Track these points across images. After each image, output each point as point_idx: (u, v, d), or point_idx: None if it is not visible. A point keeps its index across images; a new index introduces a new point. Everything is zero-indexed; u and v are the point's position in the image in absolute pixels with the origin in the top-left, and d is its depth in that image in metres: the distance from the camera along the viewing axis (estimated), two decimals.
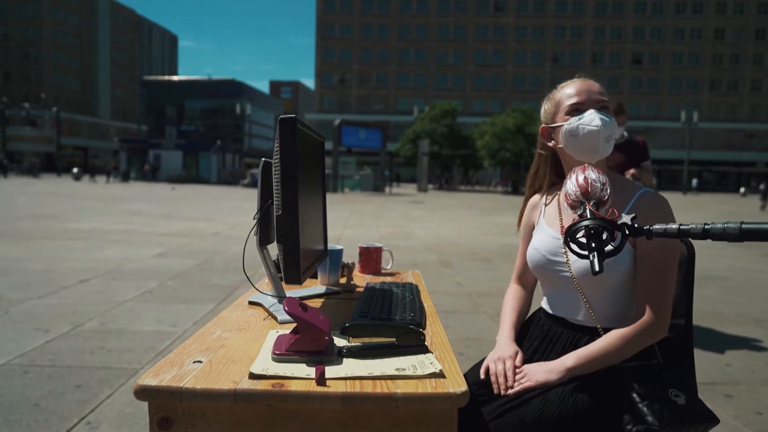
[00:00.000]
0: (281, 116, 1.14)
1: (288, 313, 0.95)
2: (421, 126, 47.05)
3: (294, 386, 0.84)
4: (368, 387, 0.84)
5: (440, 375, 0.88)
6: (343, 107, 70.11)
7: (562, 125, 1.42)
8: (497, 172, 58.19)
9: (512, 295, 1.64)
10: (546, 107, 1.54)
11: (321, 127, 66.41)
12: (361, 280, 1.78)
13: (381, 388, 0.84)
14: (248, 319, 1.24)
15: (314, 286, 1.60)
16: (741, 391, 2.98)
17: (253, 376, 0.86)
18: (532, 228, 1.59)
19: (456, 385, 0.85)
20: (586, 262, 1.33)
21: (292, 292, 1.46)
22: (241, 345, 1.04)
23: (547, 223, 1.52)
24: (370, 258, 1.89)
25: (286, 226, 1.14)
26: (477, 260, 7.66)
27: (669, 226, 0.88)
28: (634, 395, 1.23)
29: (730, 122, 65.44)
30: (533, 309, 1.62)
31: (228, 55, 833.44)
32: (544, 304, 1.53)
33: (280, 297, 1.36)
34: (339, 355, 0.96)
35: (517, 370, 1.35)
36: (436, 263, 7.30)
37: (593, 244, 0.93)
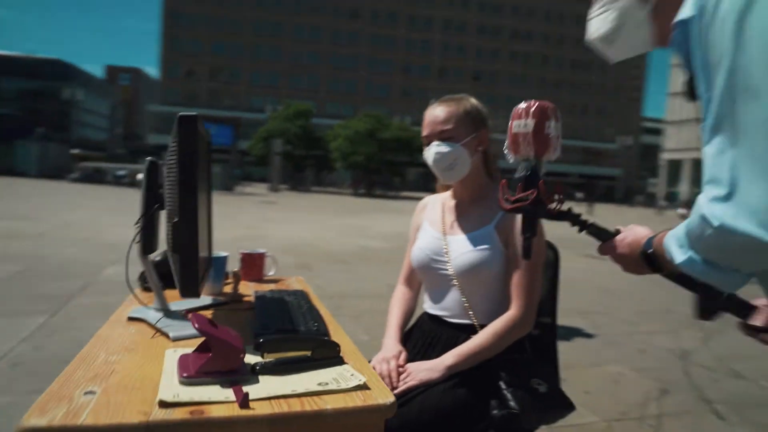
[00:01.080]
0: (181, 114, 1.04)
1: (199, 330, 0.87)
2: (274, 125, 46.15)
3: (215, 411, 0.77)
4: (295, 406, 0.81)
5: (365, 387, 0.88)
6: (191, 100, 65.98)
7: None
8: (348, 175, 59.39)
9: (399, 296, 1.70)
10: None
11: (166, 120, 61.78)
12: (244, 287, 1.70)
13: (309, 405, 0.81)
14: (133, 337, 1.11)
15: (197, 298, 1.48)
16: (572, 374, 3.39)
17: (164, 405, 0.77)
18: (418, 230, 1.67)
19: (383, 395, 0.85)
20: (464, 260, 1.45)
21: (175, 304, 1.33)
22: (135, 369, 0.93)
23: (429, 225, 1.62)
24: (253, 264, 1.82)
25: (185, 235, 1.05)
26: (335, 262, 7.73)
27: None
28: (501, 383, 1.36)
29: None
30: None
31: (55, 32, 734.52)
32: (426, 304, 1.61)
33: (166, 311, 1.24)
34: (253, 373, 0.91)
35: (401, 370, 1.40)
36: (295, 266, 7.22)
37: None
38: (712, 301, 1.00)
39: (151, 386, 0.85)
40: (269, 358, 0.94)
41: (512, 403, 1.33)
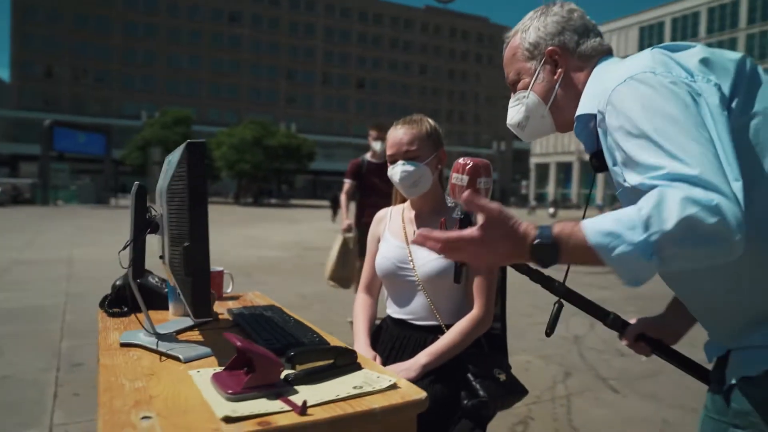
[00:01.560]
0: (190, 141, 1.07)
1: (243, 348, 0.92)
2: (151, 132, 43.37)
3: (280, 421, 0.83)
4: (346, 408, 0.89)
5: (396, 386, 0.98)
6: (51, 105, 59.72)
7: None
8: (234, 184, 57.54)
9: (362, 303, 1.81)
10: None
11: (22, 126, 55.47)
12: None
13: (358, 406, 0.90)
14: (143, 363, 1.11)
15: (175, 319, 1.47)
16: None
17: (230, 420, 0.82)
18: (378, 241, 1.79)
19: (415, 392, 0.96)
20: (432, 267, 1.60)
21: (161, 327, 1.33)
22: (170, 392, 0.94)
23: (392, 235, 1.75)
24: (213, 282, 1.81)
25: (198, 258, 1.07)
26: (238, 275, 7.51)
27: None
28: (469, 375, 1.53)
29: None
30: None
31: None
32: (390, 309, 1.74)
33: (158, 334, 1.24)
34: (289, 384, 0.97)
35: None
36: None
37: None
38: (618, 328, 1.30)
39: (198, 406, 0.88)
40: (299, 369, 1.01)
41: (481, 392, 1.49)
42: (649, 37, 58.94)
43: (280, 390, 0.93)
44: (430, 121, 1.72)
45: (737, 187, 0.79)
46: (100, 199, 29.46)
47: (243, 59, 69.76)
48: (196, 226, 1.07)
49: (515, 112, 1.22)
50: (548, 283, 1.32)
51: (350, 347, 1.10)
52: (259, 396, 0.91)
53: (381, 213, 1.87)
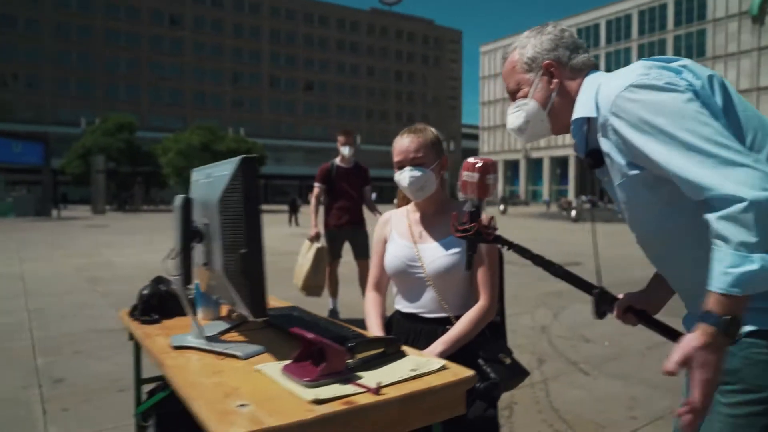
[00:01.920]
0: (244, 156, 1.17)
1: (314, 341, 1.03)
2: (92, 140, 41.66)
3: (360, 400, 0.95)
4: (410, 387, 1.02)
5: (445, 368, 1.12)
6: None
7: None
8: (182, 191, 55.91)
9: (373, 301, 1.93)
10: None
11: None
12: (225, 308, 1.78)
13: (419, 385, 1.03)
14: (205, 361, 1.20)
15: (213, 322, 1.56)
16: None
17: (319, 402, 0.94)
18: (385, 241, 1.92)
19: (463, 372, 1.11)
20: (440, 264, 1.75)
21: (206, 329, 1.41)
22: (247, 385, 1.05)
23: (399, 236, 1.88)
24: None
25: (254, 263, 1.17)
26: None
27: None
28: (480, 360, 1.68)
29: (383, 145, 78.62)
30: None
31: None
32: (399, 305, 1.87)
33: (208, 337, 1.33)
34: (352, 370, 1.09)
35: None
36: None
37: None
38: (606, 302, 1.47)
39: (281, 393, 0.99)
40: (357, 357, 1.13)
41: (492, 375, 1.65)
42: (587, 38, 61.49)
43: (347, 376, 1.05)
44: (433, 130, 1.86)
45: (748, 152, 0.96)
46: (39, 211, 28.00)
47: (186, 63, 67.91)
48: (252, 233, 1.17)
49: (515, 117, 1.38)
50: (548, 267, 1.48)
51: (395, 338, 1.23)
52: (332, 382, 1.03)
53: (385, 216, 1.99)
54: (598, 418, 2.91)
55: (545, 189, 65.70)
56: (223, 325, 1.50)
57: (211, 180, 1.32)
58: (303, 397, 0.96)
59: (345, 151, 5.10)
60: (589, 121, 1.24)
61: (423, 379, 1.06)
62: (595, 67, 1.34)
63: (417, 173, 1.76)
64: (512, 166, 72.79)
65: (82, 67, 62.25)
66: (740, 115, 1.10)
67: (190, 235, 1.30)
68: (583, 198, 44.40)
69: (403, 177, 1.78)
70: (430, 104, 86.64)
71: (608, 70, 1.32)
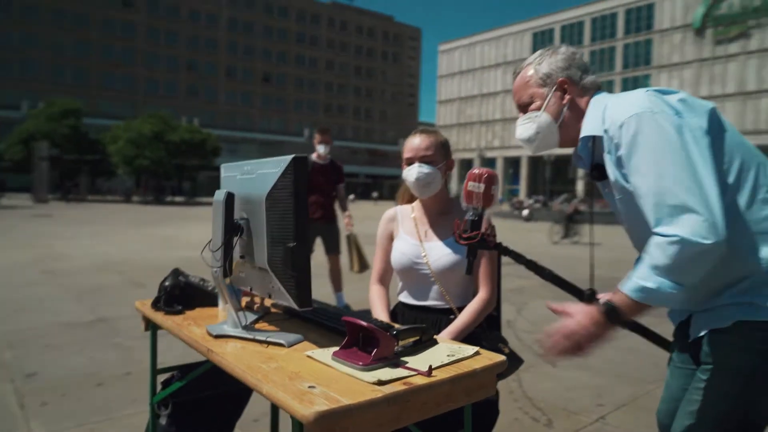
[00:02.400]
0: (296, 156, 1.25)
1: (369, 328, 1.13)
2: (35, 125, 39.62)
3: (415, 381, 1.06)
4: (455, 370, 1.13)
5: (478, 353, 1.24)
6: None
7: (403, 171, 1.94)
8: (132, 181, 54.09)
9: (377, 293, 2.03)
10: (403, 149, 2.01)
11: None
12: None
13: (463, 368, 1.14)
14: (256, 349, 1.27)
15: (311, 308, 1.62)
16: None
17: (381, 383, 1.03)
18: (390, 237, 2.03)
19: (496, 357, 1.23)
20: (444, 262, 1.87)
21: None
22: (305, 368, 1.13)
23: (406, 234, 1.99)
24: None
25: (302, 257, 1.25)
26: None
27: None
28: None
29: (340, 140, 78.36)
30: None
31: None
32: (403, 297, 1.98)
33: (245, 326, 1.40)
34: (397, 356, 1.19)
35: None
36: (127, 284, 6.70)
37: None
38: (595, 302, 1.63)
39: (339, 376, 1.08)
40: (400, 344, 1.23)
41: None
42: (541, 42, 63.22)
43: (395, 361, 1.16)
44: (442, 134, 1.98)
45: (715, 198, 1.13)
46: None
47: (138, 48, 65.47)
48: (300, 229, 1.25)
49: (525, 129, 1.50)
50: (541, 272, 1.62)
51: (427, 326, 1.34)
52: (383, 366, 1.13)
53: (390, 212, 2.08)
54: (569, 405, 3.11)
55: (499, 188, 67.17)
56: (250, 316, 1.57)
57: (253, 176, 1.39)
58: (364, 380, 1.05)
59: (321, 149, 5.18)
60: (594, 138, 1.38)
61: (462, 363, 1.18)
62: (600, 88, 1.49)
63: (425, 170, 1.87)
64: (466, 165, 74.14)
65: (24, 47, 59.00)
66: (729, 146, 1.27)
67: (231, 229, 1.36)
68: (533, 198, 45.74)
69: (411, 173, 1.88)
70: (389, 101, 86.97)
71: None
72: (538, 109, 1.48)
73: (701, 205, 1.12)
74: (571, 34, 62.51)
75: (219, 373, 1.86)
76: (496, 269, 1.97)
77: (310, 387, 1.02)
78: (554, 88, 1.46)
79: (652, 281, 1.16)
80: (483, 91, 69.05)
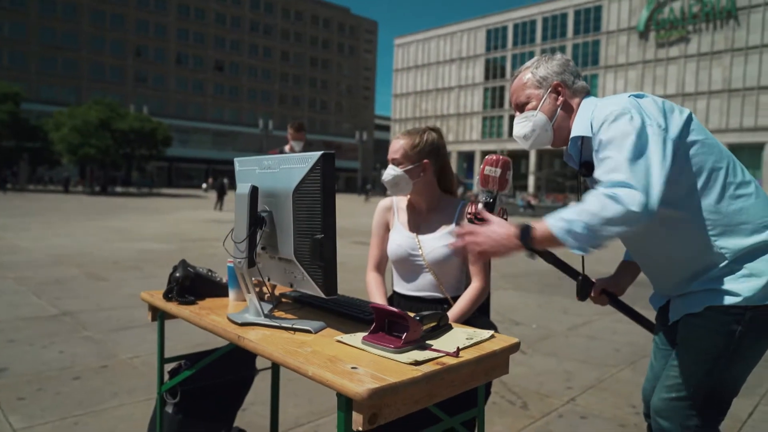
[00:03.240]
0: (325, 152, 1.32)
1: (401, 314, 1.22)
2: None
3: (446, 361, 1.16)
4: (477, 351, 1.24)
5: (494, 336, 1.35)
6: None
7: None
8: (76, 171, 51.74)
9: (375, 281, 2.11)
10: None
11: None
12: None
13: (484, 349, 1.25)
14: (283, 335, 1.34)
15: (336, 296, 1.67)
16: None
17: (417, 363, 1.13)
18: (386, 226, 2.12)
19: (509, 340, 1.34)
20: (438, 254, 1.97)
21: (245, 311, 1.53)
22: (339, 353, 1.21)
23: (402, 226, 2.08)
24: None
25: (329, 248, 1.32)
26: (127, 269, 7.16)
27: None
28: None
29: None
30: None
31: None
32: (398, 287, 2.08)
33: (266, 315, 1.46)
34: (421, 339, 1.29)
35: None
36: (85, 277, 6.51)
37: None
38: (588, 286, 1.77)
39: (374, 359, 1.17)
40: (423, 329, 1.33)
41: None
42: (495, 39, 64.50)
43: (422, 344, 1.25)
44: (428, 135, 2.03)
45: (657, 191, 1.27)
46: None
47: (82, 31, 62.36)
48: (328, 221, 1.33)
49: (522, 127, 1.63)
50: (542, 254, 1.74)
51: (444, 312, 1.44)
52: (412, 348, 1.22)
53: (386, 202, 2.15)
54: (540, 389, 3.30)
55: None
56: (265, 306, 1.62)
57: (276, 171, 1.44)
58: (401, 361, 1.14)
59: (296, 147, 5.28)
60: (583, 138, 1.52)
61: (482, 345, 1.29)
62: (589, 93, 1.63)
63: (392, 172, 1.96)
64: None
65: None
66: (701, 150, 1.42)
67: (256, 221, 1.41)
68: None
69: (385, 173, 1.98)
70: (344, 93, 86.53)
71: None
72: (534, 108, 1.60)
73: (642, 188, 1.26)
74: (524, 32, 63.99)
75: (222, 362, 1.91)
76: (489, 260, 2.08)
77: (353, 368, 1.10)
78: (549, 90, 1.58)
79: (573, 219, 1.28)
80: (438, 86, 69.78)
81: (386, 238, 2.10)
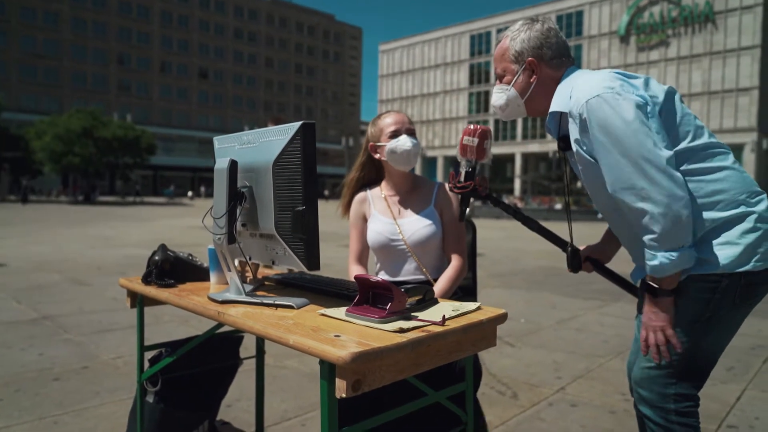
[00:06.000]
0: (305, 121, 1.29)
1: (385, 284, 1.19)
2: None
3: (432, 329, 1.13)
4: (464, 321, 1.21)
5: (480, 308, 1.33)
6: None
7: (385, 145, 1.97)
8: (58, 180, 51.08)
9: (357, 272, 2.08)
10: (372, 131, 2.06)
11: None
12: None
13: (471, 319, 1.23)
14: (267, 311, 1.30)
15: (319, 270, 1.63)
16: None
17: (402, 331, 1.10)
18: (363, 218, 2.09)
19: (496, 311, 1.32)
20: (419, 235, 1.95)
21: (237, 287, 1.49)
22: (323, 324, 1.18)
23: (380, 213, 2.05)
24: None
25: (310, 220, 1.29)
26: (111, 274, 7.04)
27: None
28: None
29: None
30: None
31: None
32: (382, 276, 2.05)
33: (248, 293, 1.42)
34: (407, 310, 1.26)
35: None
36: (69, 282, 6.39)
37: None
38: (578, 256, 1.75)
39: (359, 328, 1.14)
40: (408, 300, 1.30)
41: None
42: (479, 44, 64.94)
43: (408, 314, 1.22)
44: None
45: (663, 168, 1.28)
46: None
47: (64, 39, 61.63)
48: (310, 193, 1.30)
49: (498, 97, 1.63)
50: (526, 221, 1.72)
51: (429, 287, 1.41)
52: (398, 318, 1.19)
53: (360, 195, 2.12)
54: (530, 380, 3.28)
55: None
56: (247, 286, 1.58)
57: (256, 145, 1.41)
58: (385, 329, 1.11)
59: None
60: (561, 114, 1.50)
61: (469, 315, 1.26)
62: (573, 64, 1.61)
63: (416, 141, 1.94)
64: None
65: None
66: (683, 121, 1.42)
67: (235, 196, 1.38)
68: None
69: (403, 142, 1.92)
70: (330, 99, 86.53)
71: None
72: (509, 83, 1.59)
73: (657, 186, 1.28)
74: None
75: (205, 351, 1.87)
76: (464, 236, 2.06)
77: (336, 336, 1.07)
78: (523, 66, 1.56)
79: (656, 254, 1.32)
80: (423, 92, 70.05)
81: (365, 229, 2.07)
